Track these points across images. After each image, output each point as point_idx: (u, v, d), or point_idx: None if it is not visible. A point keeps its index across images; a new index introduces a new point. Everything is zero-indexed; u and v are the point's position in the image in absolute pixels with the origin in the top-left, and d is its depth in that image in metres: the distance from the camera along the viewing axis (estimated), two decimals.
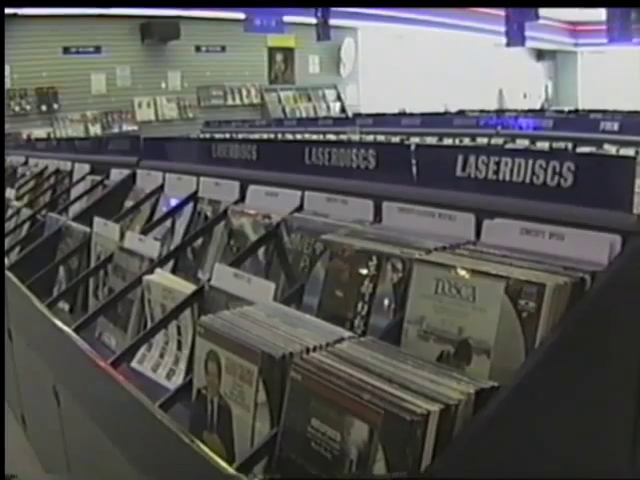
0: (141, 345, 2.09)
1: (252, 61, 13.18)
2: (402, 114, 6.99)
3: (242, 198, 2.47)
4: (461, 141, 5.05)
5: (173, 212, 2.82)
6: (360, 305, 1.57)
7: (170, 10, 10.72)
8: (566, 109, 8.12)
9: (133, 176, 3.37)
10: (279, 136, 8.18)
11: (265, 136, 8.37)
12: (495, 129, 5.37)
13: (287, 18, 11.68)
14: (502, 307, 1.25)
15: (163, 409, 1.64)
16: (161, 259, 2.40)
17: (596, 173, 1.39)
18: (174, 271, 2.75)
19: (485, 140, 4.92)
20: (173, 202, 2.92)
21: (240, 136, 8.79)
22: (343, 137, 6.82)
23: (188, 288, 2.08)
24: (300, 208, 2.15)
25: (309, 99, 14.52)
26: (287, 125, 8.84)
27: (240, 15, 11.08)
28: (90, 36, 10.77)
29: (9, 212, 4.22)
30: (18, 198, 4.40)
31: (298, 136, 7.59)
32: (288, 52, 13.78)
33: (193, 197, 2.77)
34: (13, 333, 3.11)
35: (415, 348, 1.39)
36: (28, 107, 10.34)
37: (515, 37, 9.40)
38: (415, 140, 5.82)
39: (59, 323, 2.32)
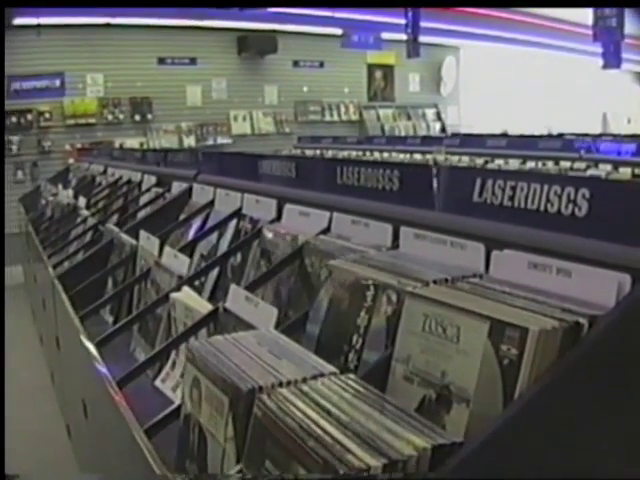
0: (151, 365, 2.03)
1: (351, 77, 13.10)
2: (490, 136, 6.77)
3: (279, 216, 2.39)
4: (544, 164, 4.84)
5: (216, 228, 2.76)
6: (355, 338, 1.46)
7: (267, 24, 10.75)
8: None
9: (190, 189, 3.35)
10: (367, 154, 8.10)
11: (354, 154, 8.31)
12: (579, 153, 5.11)
13: (386, 35, 11.59)
14: (484, 351, 1.11)
15: (151, 432, 1.57)
16: (190, 276, 2.34)
17: (612, 201, 1.23)
18: (215, 289, 2.70)
19: (568, 164, 4.69)
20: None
21: (329, 153, 8.75)
22: (429, 157, 6.67)
23: (206, 308, 2.01)
24: (328, 229, 2.05)
25: (409, 117, 14.32)
26: (376, 143, 8.72)
27: (337, 31, 11.05)
28: (185, 47, 10.83)
29: (77, 220, 4.28)
30: (89, 207, 4.46)
31: (376, 154, 7.47)
32: (388, 69, 13.67)
33: (237, 214, 2.70)
34: (61, 342, 3.12)
35: (400, 390, 1.27)
36: (121, 116, 10.41)
37: (611, 59, 8.99)
38: (499, 162, 5.63)
39: (82, 337, 2.29)
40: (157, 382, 2.23)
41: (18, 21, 9.18)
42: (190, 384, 1.47)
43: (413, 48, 10.33)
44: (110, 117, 10.37)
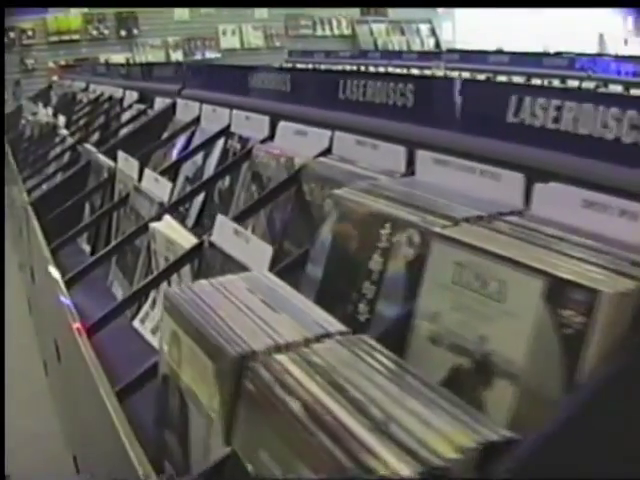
0: (128, 306, 1.79)
1: None
2: (492, 52, 6.44)
3: (272, 135, 2.12)
4: (550, 83, 4.53)
5: (202, 148, 2.50)
6: (366, 285, 1.21)
7: None
8: None
9: (174, 106, 3.07)
10: (362, 68, 7.74)
11: (348, 68, 7.94)
12: (586, 72, 4.81)
13: None
14: (538, 316, 0.87)
15: (123, 395, 1.34)
16: (171, 204, 2.09)
17: None
18: (200, 216, 2.47)
19: (576, 83, 4.40)
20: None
21: (322, 67, 8.37)
22: (427, 73, 6.34)
23: (189, 242, 1.76)
24: (329, 151, 1.79)
25: (402, 33, 13.89)
26: (370, 57, 8.35)
27: None
28: None
29: (56, 139, 4.01)
30: (68, 125, 4.17)
31: (371, 68, 7.13)
32: None
33: (225, 132, 2.44)
34: (35, 274, 2.88)
35: (423, 354, 1.03)
36: (106, 32, 10.09)
37: None
38: (503, 79, 5.31)
39: (52, 272, 2.05)
40: (136, 322, 2.00)
41: None
42: (168, 340, 1.23)
43: None
44: (95, 33, 10.06)
